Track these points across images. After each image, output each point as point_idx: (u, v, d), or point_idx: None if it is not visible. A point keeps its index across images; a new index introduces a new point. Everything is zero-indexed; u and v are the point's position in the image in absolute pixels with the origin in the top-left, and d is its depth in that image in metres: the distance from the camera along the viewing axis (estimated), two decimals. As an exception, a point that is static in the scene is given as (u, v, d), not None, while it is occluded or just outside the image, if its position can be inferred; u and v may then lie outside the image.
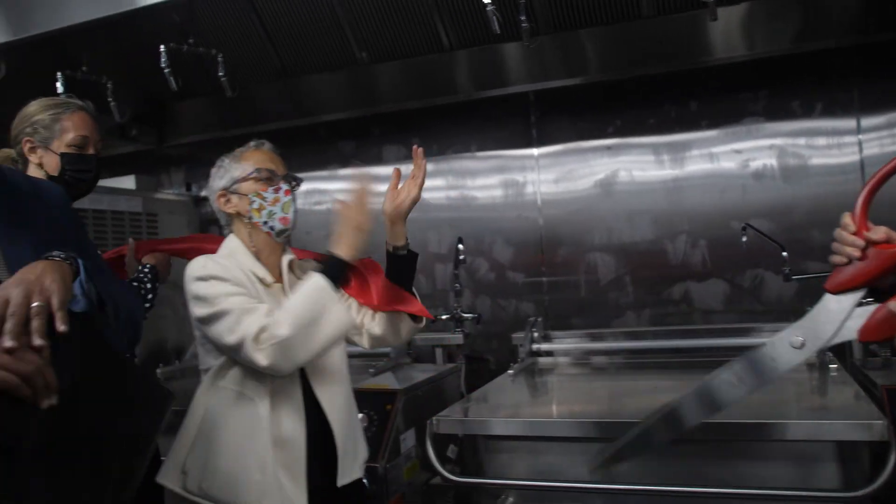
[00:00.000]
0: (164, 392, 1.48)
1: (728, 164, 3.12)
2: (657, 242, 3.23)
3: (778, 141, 3.05)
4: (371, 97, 3.48)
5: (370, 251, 2.03)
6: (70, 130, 2.20)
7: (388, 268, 2.10)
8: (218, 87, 3.14)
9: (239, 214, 2.05)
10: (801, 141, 3.02)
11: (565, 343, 3.08)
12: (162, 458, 1.95)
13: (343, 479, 1.97)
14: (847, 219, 1.29)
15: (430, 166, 3.55)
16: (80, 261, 1.34)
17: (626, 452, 1.45)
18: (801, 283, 2.84)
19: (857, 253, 1.27)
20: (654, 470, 1.96)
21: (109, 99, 3.28)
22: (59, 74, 3.07)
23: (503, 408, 2.44)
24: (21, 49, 3.02)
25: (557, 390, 2.73)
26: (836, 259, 1.30)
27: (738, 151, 3.10)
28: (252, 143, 2.11)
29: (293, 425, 1.92)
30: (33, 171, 2.15)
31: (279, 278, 2.06)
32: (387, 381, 2.78)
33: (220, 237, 2.15)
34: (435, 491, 2.65)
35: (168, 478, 1.93)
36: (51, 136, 2.18)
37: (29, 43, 3.06)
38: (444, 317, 3.27)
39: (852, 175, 2.93)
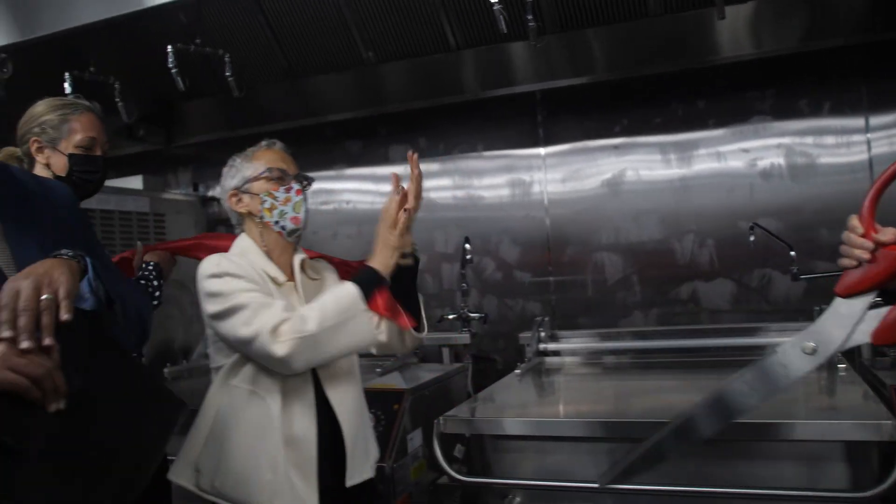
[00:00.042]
0: (176, 401, 1.48)
1: (736, 164, 3.11)
2: (664, 242, 3.22)
3: (786, 140, 3.03)
4: (378, 97, 3.48)
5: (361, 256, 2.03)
6: (78, 132, 2.21)
7: (394, 278, 2.08)
8: (225, 87, 3.15)
9: (250, 214, 2.06)
10: (809, 140, 3.01)
11: (572, 343, 3.07)
12: (169, 457, 1.95)
13: (353, 479, 1.97)
14: (854, 221, 1.28)
15: (436, 166, 3.60)
16: (87, 259, 1.34)
17: (638, 466, 1.43)
18: (810, 282, 2.83)
19: (866, 255, 1.26)
20: (663, 470, 1.95)
21: (117, 99, 3.29)
22: (66, 75, 3.08)
23: (510, 407, 2.44)
24: (29, 49, 3.03)
25: (564, 390, 2.73)
26: (844, 262, 1.29)
27: (745, 150, 3.09)
28: (264, 143, 2.12)
29: (304, 424, 1.92)
30: (40, 171, 2.15)
31: (291, 277, 2.06)
32: (394, 381, 2.78)
33: (220, 234, 2.15)
34: (442, 491, 2.65)
35: (180, 475, 1.94)
36: (59, 136, 2.19)
37: (37, 43, 3.08)
38: (450, 316, 3.27)
39: (861, 174, 2.91)
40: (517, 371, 2.77)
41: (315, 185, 2.16)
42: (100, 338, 1.32)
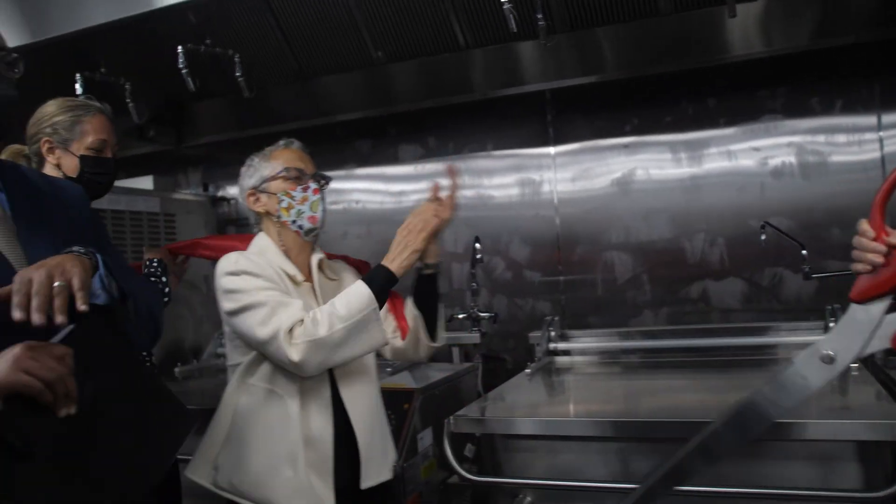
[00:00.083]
0: (186, 415, 1.49)
1: (746, 162, 3.09)
2: (675, 241, 3.21)
3: (797, 138, 3.02)
4: (387, 97, 3.48)
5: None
6: (90, 134, 2.21)
7: (416, 288, 2.09)
8: (235, 87, 3.16)
9: (268, 213, 2.06)
10: (821, 138, 2.99)
11: (582, 342, 3.06)
12: (183, 457, 1.96)
13: (368, 480, 1.97)
14: (865, 225, 1.26)
15: (446, 165, 3.58)
16: (98, 255, 1.35)
17: (658, 490, 1.40)
18: (821, 281, 2.81)
19: (880, 259, 1.23)
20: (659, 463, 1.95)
21: (128, 100, 3.31)
22: (77, 76, 3.10)
23: (520, 407, 2.44)
24: (40, 51, 3.04)
25: (575, 389, 2.72)
26: (858, 267, 1.27)
27: (756, 149, 3.08)
28: (282, 142, 2.12)
29: (321, 424, 1.92)
30: (50, 171, 2.16)
31: (309, 277, 2.06)
32: (404, 381, 2.78)
33: (220, 235, 2.15)
34: (452, 490, 2.65)
35: (198, 473, 1.95)
36: (70, 137, 2.20)
37: (48, 44, 3.09)
38: (460, 316, 3.27)
39: (873, 172, 2.89)
40: (527, 370, 2.77)
41: (325, 185, 2.16)
42: (113, 340, 1.33)
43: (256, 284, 1.88)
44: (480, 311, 3.26)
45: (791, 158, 3.02)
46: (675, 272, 3.20)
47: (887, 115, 2.90)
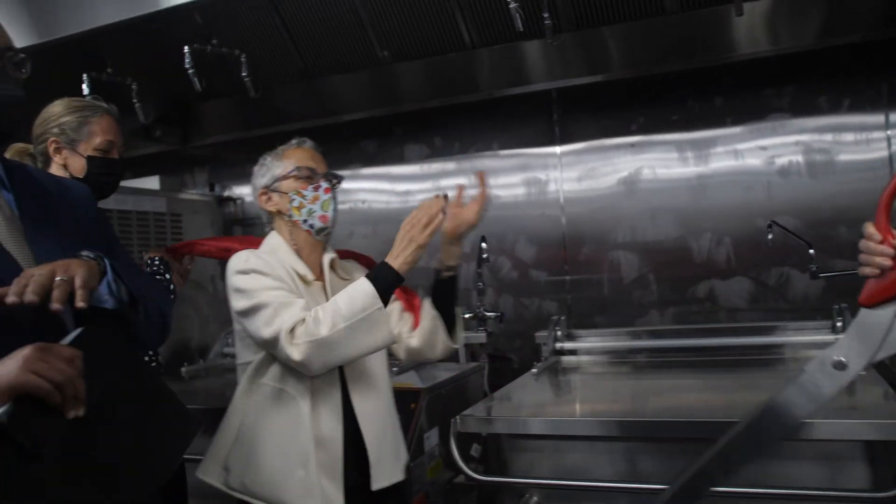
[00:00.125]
0: (191, 420, 1.49)
1: (753, 161, 3.08)
2: (681, 240, 3.20)
3: (804, 137, 3.01)
4: (393, 96, 3.48)
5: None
6: (98, 135, 2.22)
7: (434, 289, 2.08)
8: (241, 87, 3.17)
9: (280, 212, 2.07)
10: (828, 137, 2.98)
11: (589, 342, 3.06)
12: (191, 457, 1.96)
13: (379, 482, 1.97)
14: (871, 228, 1.25)
15: (451, 165, 3.61)
16: (107, 260, 1.35)
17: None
18: (829, 280, 2.80)
19: (888, 262, 1.22)
20: (681, 469, 1.94)
21: (134, 100, 3.31)
22: (84, 76, 3.10)
23: (527, 406, 2.43)
24: (47, 51, 3.04)
25: (581, 389, 2.72)
26: (866, 271, 1.25)
27: (763, 148, 3.07)
28: (294, 141, 2.12)
29: (331, 425, 1.92)
30: (57, 172, 2.16)
31: (320, 276, 2.06)
32: (410, 380, 2.77)
33: (217, 237, 2.15)
34: (458, 490, 2.65)
35: (208, 474, 1.95)
36: (78, 138, 2.20)
37: (55, 45, 3.10)
38: (466, 315, 3.26)
39: (881, 171, 2.88)
40: (533, 370, 2.77)
41: (331, 185, 2.16)
42: (121, 344, 1.33)
43: (264, 284, 1.88)
44: (486, 311, 3.25)
45: (798, 157, 3.01)
46: (682, 272, 3.19)
47: (895, 113, 2.88)
